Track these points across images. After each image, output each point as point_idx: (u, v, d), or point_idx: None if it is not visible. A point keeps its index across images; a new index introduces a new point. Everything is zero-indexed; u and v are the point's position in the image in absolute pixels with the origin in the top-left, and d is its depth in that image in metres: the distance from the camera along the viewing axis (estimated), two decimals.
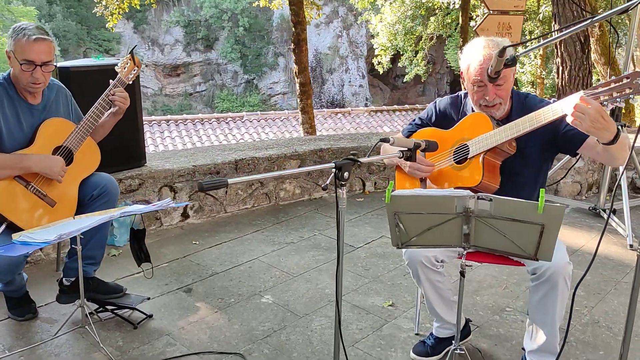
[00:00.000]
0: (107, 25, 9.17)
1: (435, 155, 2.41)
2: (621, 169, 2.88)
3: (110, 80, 2.80)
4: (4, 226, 2.46)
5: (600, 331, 2.72)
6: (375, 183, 4.81)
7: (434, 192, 1.99)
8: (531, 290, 2.17)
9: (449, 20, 17.81)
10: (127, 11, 9.52)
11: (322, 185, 1.74)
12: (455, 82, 37.62)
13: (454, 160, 2.34)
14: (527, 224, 1.74)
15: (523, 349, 2.31)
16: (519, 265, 2.27)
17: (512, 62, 2.10)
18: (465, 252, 1.92)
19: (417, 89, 38.06)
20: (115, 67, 2.91)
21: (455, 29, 19.24)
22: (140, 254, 2.75)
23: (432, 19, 17.61)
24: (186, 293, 3.11)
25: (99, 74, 3.46)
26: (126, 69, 2.92)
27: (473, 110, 2.35)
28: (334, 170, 1.84)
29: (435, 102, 2.54)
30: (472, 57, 2.22)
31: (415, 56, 18.46)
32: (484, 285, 3.18)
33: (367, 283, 3.20)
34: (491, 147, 2.20)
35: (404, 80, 18.81)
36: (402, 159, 2.19)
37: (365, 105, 32.77)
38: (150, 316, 2.83)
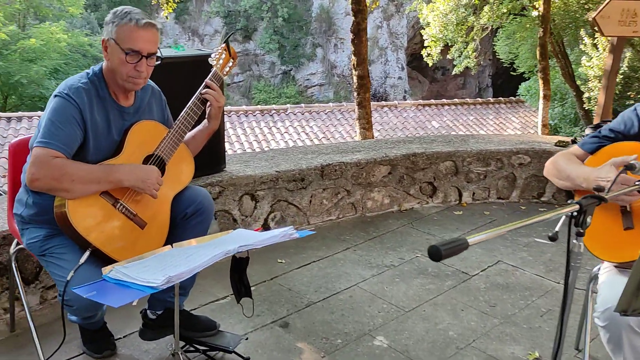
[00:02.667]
0: (162, 13, 8.79)
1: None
2: None
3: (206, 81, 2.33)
4: (87, 253, 2.01)
5: None
6: (473, 194, 4.27)
7: None
8: None
9: (504, 10, 17.00)
10: (179, 1, 9.13)
11: (550, 235, 1.19)
12: (497, 74, 36.55)
13: None
14: None
15: None
16: None
17: None
18: None
19: (457, 81, 37.11)
20: (209, 59, 2.44)
21: (507, 19, 18.46)
22: (241, 287, 2.27)
23: (485, 8, 16.81)
24: (283, 328, 2.63)
25: (187, 66, 3.01)
26: (222, 61, 2.46)
27: None
28: (572, 213, 1.31)
29: (636, 110, 1.98)
30: None
31: (466, 47, 17.73)
32: None
33: (498, 325, 2.67)
34: None
35: (453, 72, 18.02)
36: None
37: (404, 98, 32.08)
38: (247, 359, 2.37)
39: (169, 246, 1.99)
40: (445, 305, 2.84)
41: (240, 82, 32.45)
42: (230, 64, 2.51)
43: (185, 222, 2.31)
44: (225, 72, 2.47)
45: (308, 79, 34.19)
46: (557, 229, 1.34)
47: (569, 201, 1.34)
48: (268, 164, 3.73)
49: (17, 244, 2.34)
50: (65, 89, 2.05)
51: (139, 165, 2.12)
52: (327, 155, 3.98)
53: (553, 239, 1.28)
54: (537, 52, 12.04)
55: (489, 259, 3.34)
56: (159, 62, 2.17)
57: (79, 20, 25.83)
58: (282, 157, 3.92)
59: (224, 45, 2.49)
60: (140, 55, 2.06)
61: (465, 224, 3.88)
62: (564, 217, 1.32)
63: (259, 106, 16.63)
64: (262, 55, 33.41)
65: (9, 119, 12.58)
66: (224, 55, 2.46)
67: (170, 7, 8.77)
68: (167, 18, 9.81)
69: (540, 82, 12.13)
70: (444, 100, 17.55)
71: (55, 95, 2.06)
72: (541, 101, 12.22)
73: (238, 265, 2.24)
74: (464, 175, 4.21)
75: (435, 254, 0.96)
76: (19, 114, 13.18)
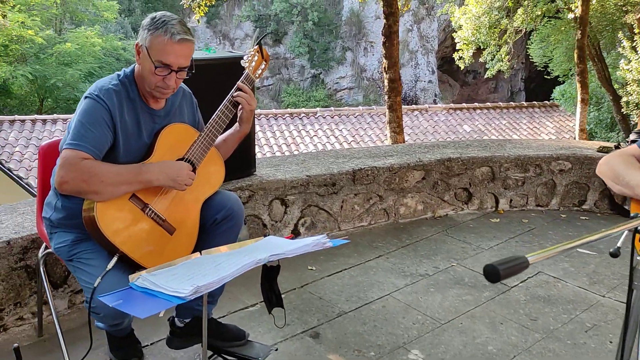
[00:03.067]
0: (194, 17, 8.83)
1: None
2: None
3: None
4: (115, 259, 1.95)
5: None
6: (511, 201, 4.12)
7: None
8: None
9: (538, 13, 16.65)
10: (214, 2, 9.15)
11: (612, 251, 1.07)
12: (530, 78, 35.92)
13: None
14: None
15: None
16: None
17: None
18: None
19: (489, 85, 36.63)
20: (242, 62, 2.38)
21: (541, 21, 18.07)
22: (272, 296, 2.19)
23: (519, 11, 16.48)
24: (313, 339, 2.54)
25: (218, 69, 2.96)
26: (254, 63, 2.39)
27: None
28: (637, 228, 1.18)
29: None
30: None
31: (499, 51, 17.42)
32: None
33: (540, 340, 2.53)
34: None
35: (485, 76, 17.71)
36: None
37: (434, 101, 31.76)
38: None
39: (198, 253, 1.92)
40: (483, 317, 2.71)
41: (269, 85, 32.62)
42: (263, 66, 2.44)
43: (214, 228, 2.24)
44: (257, 75, 2.41)
45: (337, 83, 34.15)
46: (619, 244, 1.22)
47: (631, 214, 1.22)
48: (299, 168, 3.66)
49: (46, 247, 2.31)
50: (96, 91, 2.01)
51: (168, 162, 2.05)
52: (358, 159, 3.88)
53: (614, 255, 1.16)
54: (575, 55, 11.72)
55: (529, 270, 3.17)
56: (188, 76, 2.10)
57: (113, 25, 26.31)
58: (312, 161, 3.84)
59: (256, 47, 2.43)
60: (170, 70, 2.00)
61: (503, 232, 3.73)
62: (626, 232, 1.20)
63: (288, 109, 16.63)
64: (292, 58, 33.52)
65: (44, 122, 12.82)
66: (256, 57, 2.39)
67: (202, 11, 8.80)
68: (198, 22, 9.86)
69: (578, 85, 11.80)
70: (476, 104, 17.27)
71: (86, 97, 2.02)
72: (579, 105, 11.89)
73: (269, 274, 2.16)
74: (501, 182, 4.06)
75: (492, 274, 0.86)
76: (54, 116, 13.43)
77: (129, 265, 1.99)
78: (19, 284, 2.49)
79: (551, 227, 3.86)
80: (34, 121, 12.74)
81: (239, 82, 2.28)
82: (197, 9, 8.75)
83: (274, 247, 1.92)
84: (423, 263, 3.28)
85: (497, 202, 4.10)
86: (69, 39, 19.28)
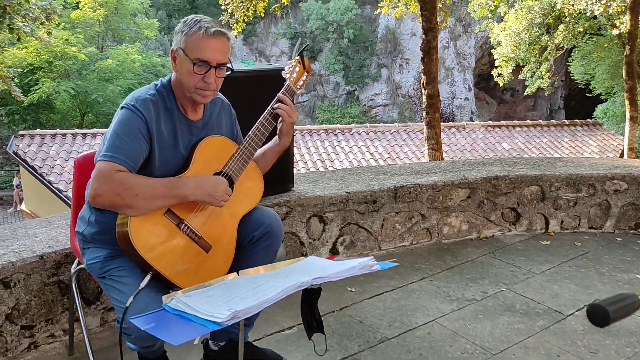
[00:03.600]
0: (232, 33, 8.86)
1: None
2: None
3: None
4: (148, 277, 1.85)
5: None
6: (562, 222, 3.88)
7: None
8: None
9: (580, 29, 16.26)
10: (251, 19, 9.19)
11: None
12: (569, 96, 35.15)
13: None
14: None
15: None
16: None
17: None
18: None
19: (527, 103, 36.03)
20: (282, 73, 2.28)
21: (583, 38, 17.63)
22: (312, 321, 2.05)
23: (560, 27, 16.12)
24: None
25: (257, 81, 2.87)
26: (295, 74, 2.29)
27: None
28: None
29: None
30: None
31: (539, 68, 17.06)
32: None
33: None
34: None
35: (525, 93, 17.36)
36: None
37: (471, 119, 31.35)
38: None
39: (235, 273, 1.80)
40: (538, 349, 2.50)
41: (304, 102, 32.79)
42: (304, 77, 2.34)
43: (252, 246, 2.12)
44: (299, 86, 2.31)
45: (372, 99, 34.09)
46: None
47: None
48: (338, 184, 3.52)
49: (79, 263, 2.22)
50: (132, 101, 1.93)
51: (205, 176, 1.95)
52: (400, 176, 3.73)
53: None
54: (623, 71, 11.34)
55: (585, 297, 2.97)
56: (228, 73, 2.01)
57: (153, 42, 26.91)
58: (352, 177, 3.71)
59: (297, 57, 2.32)
60: (209, 66, 1.91)
61: (555, 255, 3.50)
62: None
63: (323, 125, 16.58)
64: (327, 75, 33.65)
65: (84, 136, 13.06)
66: (297, 69, 2.29)
67: (240, 27, 8.84)
68: (236, 38, 9.95)
69: (627, 102, 11.40)
70: (515, 122, 16.89)
71: (122, 107, 1.94)
72: (627, 123, 11.47)
73: (309, 297, 2.01)
74: (551, 202, 3.84)
75: (600, 317, 0.70)
76: (94, 130, 13.68)
77: (162, 284, 1.89)
78: (51, 300, 2.42)
79: (606, 251, 3.61)
80: (74, 135, 12.99)
81: (279, 94, 2.18)
82: (235, 24, 8.80)
83: (317, 268, 1.78)
84: (470, 287, 3.09)
85: (547, 223, 3.87)
86: (110, 56, 19.76)
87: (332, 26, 32.07)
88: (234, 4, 8.76)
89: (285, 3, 9.79)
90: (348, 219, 3.40)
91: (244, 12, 8.83)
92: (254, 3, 8.93)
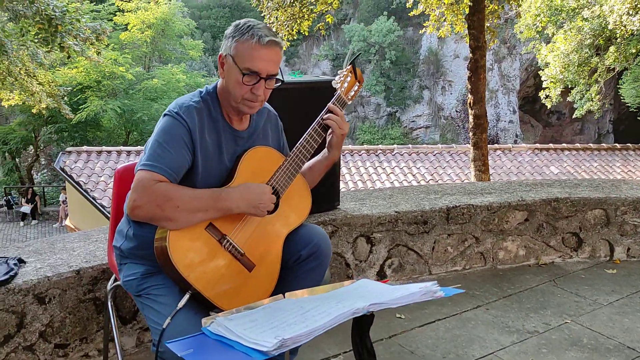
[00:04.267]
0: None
1: None
2: None
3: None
4: (187, 297, 1.70)
5: None
6: (628, 249, 3.58)
7: None
8: None
9: (633, 51, 15.71)
10: (295, 37, 9.18)
11: None
12: (619, 120, 34.02)
13: None
14: None
15: None
16: None
17: None
18: None
19: (574, 126, 35.07)
20: (333, 82, 2.14)
21: (635, 60, 17.03)
22: (363, 352, 1.86)
23: (611, 48, 15.60)
24: None
25: (305, 93, 2.74)
26: (347, 84, 2.14)
27: None
28: None
29: None
30: None
31: (588, 90, 16.53)
32: None
33: None
34: None
35: (574, 116, 16.83)
36: None
37: (515, 142, 30.66)
38: None
39: (281, 295, 1.63)
40: None
41: None
42: (356, 87, 2.19)
43: (298, 267, 1.96)
44: (350, 97, 2.16)
45: (414, 121, 33.81)
46: None
47: None
48: (386, 203, 3.34)
49: (115, 279, 2.11)
50: (175, 108, 1.81)
51: (249, 186, 1.80)
52: (452, 196, 3.51)
53: None
54: None
55: None
56: (278, 84, 1.88)
57: (198, 63, 27.49)
58: (401, 196, 3.52)
59: (349, 67, 2.18)
60: (259, 77, 1.78)
61: (622, 285, 3.21)
62: None
63: (364, 146, 16.44)
64: (368, 97, 33.62)
65: (129, 153, 13.27)
66: (349, 78, 2.15)
67: (284, 45, 8.82)
68: None
69: None
70: (564, 145, 16.35)
71: (165, 114, 1.82)
72: None
73: (360, 324, 1.83)
74: (617, 227, 3.55)
75: None
76: (138, 148, 13.91)
77: (202, 304, 1.74)
78: (86, 318, 2.31)
79: None
80: (119, 152, 13.21)
81: (329, 104, 2.04)
82: None
83: (372, 293, 1.60)
84: (530, 318, 2.84)
85: (612, 250, 3.58)
86: (156, 76, 20.21)
87: (374, 48, 32.12)
88: (279, 23, 8.77)
89: (330, 22, 9.75)
90: (397, 240, 3.20)
91: (288, 30, 8.82)
92: (299, 22, 8.91)
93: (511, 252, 3.49)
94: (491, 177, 13.70)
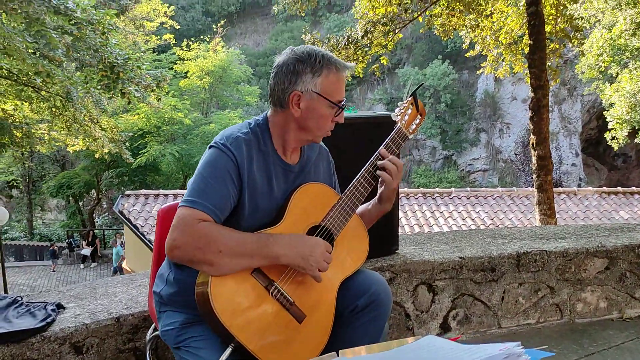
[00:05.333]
0: None
1: None
2: None
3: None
4: (229, 350, 1.51)
5: None
6: None
7: None
8: None
9: None
10: (349, 80, 9.13)
11: None
12: None
13: None
14: None
15: None
16: None
17: None
18: None
19: None
20: (392, 115, 1.96)
21: None
22: None
23: None
24: None
25: (362, 128, 2.57)
26: (407, 117, 1.96)
27: None
28: None
29: None
30: None
31: None
32: None
33: None
34: None
35: None
36: None
37: (579, 185, 29.43)
38: None
39: (334, 354, 1.41)
40: None
41: None
42: (418, 120, 2.01)
43: (354, 318, 1.74)
44: (411, 130, 1.97)
45: (471, 164, 33.13)
46: None
47: None
48: (449, 247, 3.07)
49: (155, 328, 1.94)
50: (222, 139, 1.66)
51: (301, 236, 1.62)
52: (522, 240, 3.21)
53: None
54: None
55: None
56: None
57: (254, 109, 28.07)
58: (465, 240, 3.24)
59: (410, 98, 1.99)
60: (341, 106, 1.71)
61: None
62: None
63: (421, 189, 16.09)
64: (423, 140, 33.30)
65: None
66: (409, 110, 1.97)
67: None
68: None
69: None
70: (633, 188, 15.44)
71: (211, 146, 1.68)
72: None
73: None
74: None
75: None
76: None
77: (245, 358, 1.54)
78: None
79: None
80: (175, 195, 13.40)
81: (380, 149, 1.84)
82: None
83: (441, 353, 1.36)
84: None
85: None
86: (213, 121, 20.71)
87: (429, 91, 31.99)
88: None
89: (385, 64, 9.68)
90: (462, 289, 2.91)
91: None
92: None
93: (591, 304, 3.12)
94: (557, 222, 13.04)
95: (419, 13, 8.80)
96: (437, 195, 14.42)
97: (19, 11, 6.60)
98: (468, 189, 15.20)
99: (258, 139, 1.71)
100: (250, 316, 1.55)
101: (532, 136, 8.13)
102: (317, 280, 1.62)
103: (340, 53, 8.76)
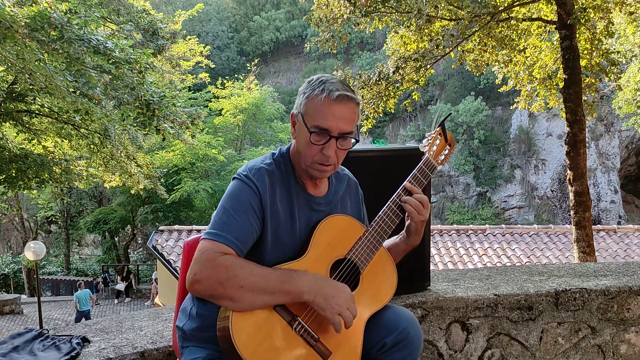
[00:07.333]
0: (362, 129, 8.85)
1: None
2: None
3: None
4: None
5: None
6: None
7: None
8: None
9: None
10: (380, 115, 9.16)
11: None
12: None
13: None
14: None
15: None
16: None
17: None
18: None
19: None
20: (420, 146, 1.91)
21: None
22: None
23: None
24: None
25: (391, 161, 2.52)
26: (435, 147, 1.91)
27: None
28: None
29: None
30: None
31: None
32: None
33: None
34: None
35: None
36: None
37: (619, 223, 28.49)
38: None
39: None
40: None
41: (433, 203, 32.11)
42: (446, 151, 1.95)
43: (382, 357, 1.67)
44: (440, 161, 1.92)
45: (505, 201, 32.54)
46: None
47: None
48: (483, 284, 2.96)
49: None
50: (245, 170, 1.65)
51: (327, 277, 1.57)
52: (560, 278, 3.08)
53: None
54: None
55: None
56: (353, 145, 1.67)
57: (286, 145, 28.35)
58: (500, 277, 3.12)
59: (438, 129, 1.95)
60: (329, 136, 1.59)
61: None
62: None
63: (454, 226, 15.81)
64: (457, 176, 32.96)
65: None
66: (438, 141, 1.92)
67: (370, 123, 8.81)
68: (366, 134, 9.94)
69: None
70: None
71: (234, 178, 1.66)
72: None
73: None
74: None
75: None
76: None
77: None
78: None
79: None
80: None
81: (406, 182, 1.78)
82: (364, 121, 8.79)
83: None
84: None
85: None
86: (246, 157, 20.97)
87: (462, 127, 31.82)
88: (364, 101, 8.79)
89: (417, 99, 9.67)
90: (497, 328, 2.79)
91: (374, 108, 8.81)
92: (385, 100, 8.90)
93: (635, 346, 2.94)
94: (596, 260, 12.59)
95: (450, 49, 8.80)
96: (471, 232, 14.14)
97: (60, 51, 6.86)
98: (503, 225, 14.87)
99: (281, 169, 1.68)
100: (273, 353, 1.50)
101: (568, 172, 7.93)
102: (335, 328, 1.53)
103: (371, 89, 8.80)
